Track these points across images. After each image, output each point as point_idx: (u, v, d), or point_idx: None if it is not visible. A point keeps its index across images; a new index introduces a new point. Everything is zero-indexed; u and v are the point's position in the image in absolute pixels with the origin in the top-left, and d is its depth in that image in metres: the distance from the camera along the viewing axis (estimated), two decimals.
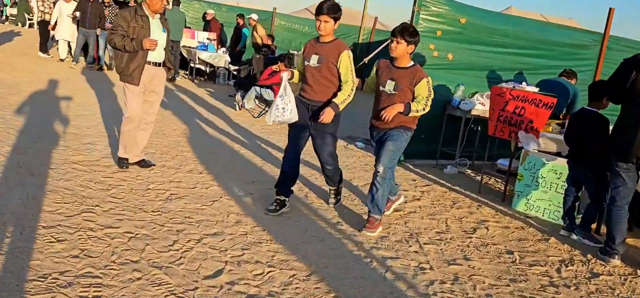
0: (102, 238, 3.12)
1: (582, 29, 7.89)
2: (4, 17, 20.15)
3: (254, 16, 11.74)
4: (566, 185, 4.53)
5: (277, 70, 8.03)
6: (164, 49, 4.48)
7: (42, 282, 2.54)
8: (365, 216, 4.00)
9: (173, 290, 2.64)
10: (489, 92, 6.12)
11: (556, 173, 4.76)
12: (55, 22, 11.03)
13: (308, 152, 4.80)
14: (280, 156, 5.13)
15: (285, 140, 4.25)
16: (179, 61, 11.14)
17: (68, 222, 3.27)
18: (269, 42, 11.00)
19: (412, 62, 3.81)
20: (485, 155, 6.20)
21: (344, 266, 3.21)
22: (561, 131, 5.35)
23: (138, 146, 4.59)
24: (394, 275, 3.18)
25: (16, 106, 6.32)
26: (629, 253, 4.01)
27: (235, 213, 3.89)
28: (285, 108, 3.75)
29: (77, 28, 10.63)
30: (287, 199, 4.05)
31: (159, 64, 4.48)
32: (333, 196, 4.32)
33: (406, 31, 3.69)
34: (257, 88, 8.26)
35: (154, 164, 4.75)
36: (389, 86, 3.77)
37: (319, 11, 3.74)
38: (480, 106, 6.14)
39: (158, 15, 4.43)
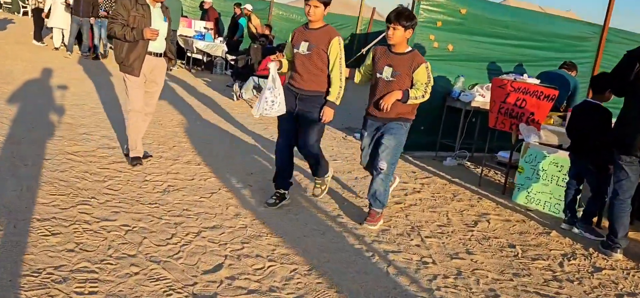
0: (98, 232, 3.05)
1: (582, 21, 7.83)
2: None
3: (248, 6, 11.59)
4: (567, 178, 4.50)
5: None
6: (165, 39, 4.35)
7: (36, 277, 2.47)
8: (366, 209, 3.95)
9: (172, 286, 2.58)
10: (489, 84, 6.08)
11: (557, 166, 4.72)
12: (49, 10, 10.87)
13: None
14: None
15: None
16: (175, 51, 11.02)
17: (63, 215, 3.20)
18: (267, 32, 10.89)
19: (410, 48, 3.67)
20: (486, 147, 6.16)
21: (345, 260, 3.16)
22: (562, 123, 5.31)
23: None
24: (396, 269, 3.14)
25: (9, 95, 6.21)
26: (630, 247, 3.98)
27: (234, 205, 3.82)
28: (275, 101, 3.60)
29: (71, 16, 10.48)
30: (286, 192, 3.98)
31: (160, 55, 4.35)
32: (318, 186, 4.02)
33: (402, 16, 3.53)
34: (255, 78, 8.17)
35: (151, 155, 4.68)
36: (387, 73, 3.62)
37: None
38: (480, 98, 6.10)
39: (159, 4, 4.29)
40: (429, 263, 3.29)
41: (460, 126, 6.22)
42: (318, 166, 3.93)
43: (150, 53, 4.23)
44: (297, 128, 3.81)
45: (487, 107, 5.64)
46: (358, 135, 7.01)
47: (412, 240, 3.65)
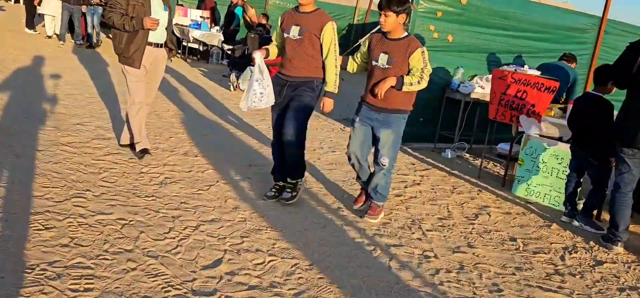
0: (93, 226, 2.97)
1: (581, 12, 7.78)
2: None
3: None
4: (567, 171, 4.46)
5: None
6: (166, 28, 4.20)
7: (30, 273, 2.40)
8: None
9: (170, 282, 2.52)
10: (489, 76, 6.02)
11: (557, 158, 4.69)
12: None
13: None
14: None
15: None
16: None
17: (57, 208, 3.11)
18: (264, 22, 10.75)
19: (405, 33, 3.54)
20: (486, 139, 6.12)
21: (347, 254, 3.11)
22: (563, 115, 5.27)
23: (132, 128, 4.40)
24: (398, 263, 3.09)
25: (0, 84, 6.08)
26: (631, 240, 3.96)
27: (233, 198, 3.76)
28: (263, 93, 3.46)
29: (62, 4, 10.29)
30: (285, 183, 3.91)
31: (161, 45, 4.20)
32: (289, 190, 3.75)
33: (392, 2, 3.38)
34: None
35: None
36: (383, 60, 3.49)
37: None
38: (480, 89, 6.05)
39: None
40: (431, 257, 3.25)
41: (459, 118, 6.18)
42: (295, 165, 3.70)
43: (150, 43, 4.09)
44: (285, 111, 3.61)
45: (487, 98, 5.59)
46: None
47: (413, 233, 3.60)
